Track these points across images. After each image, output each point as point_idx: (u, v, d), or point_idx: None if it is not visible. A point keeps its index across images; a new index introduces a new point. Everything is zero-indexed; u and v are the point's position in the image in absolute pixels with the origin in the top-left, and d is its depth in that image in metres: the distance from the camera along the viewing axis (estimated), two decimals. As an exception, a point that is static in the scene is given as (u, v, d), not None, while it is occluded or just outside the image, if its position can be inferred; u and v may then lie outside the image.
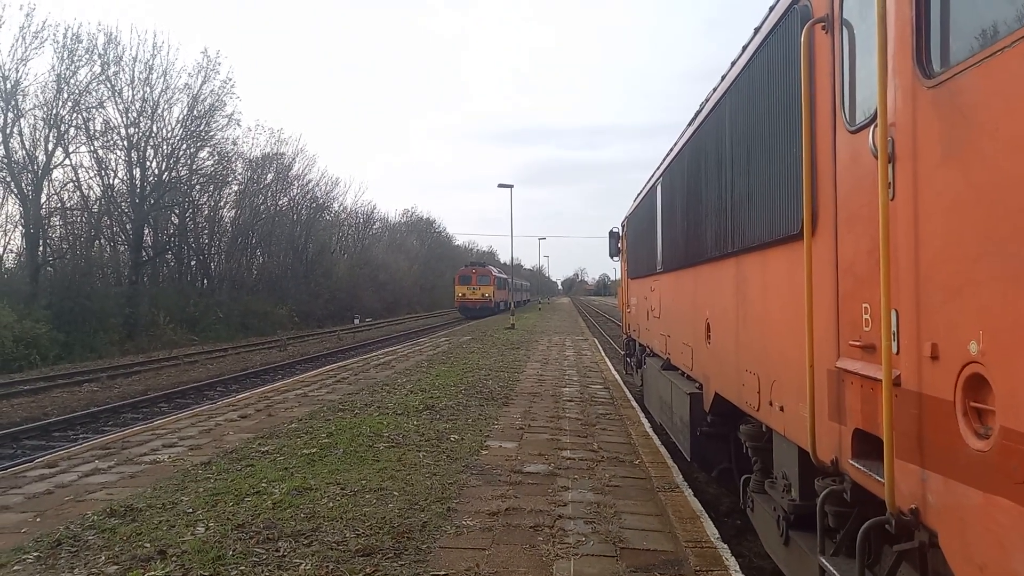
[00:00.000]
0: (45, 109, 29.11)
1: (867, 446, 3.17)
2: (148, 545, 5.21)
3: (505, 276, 66.58)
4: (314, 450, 8.25)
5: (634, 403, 12.20)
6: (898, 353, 2.79)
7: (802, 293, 3.75)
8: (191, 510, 6.03)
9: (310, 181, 51.56)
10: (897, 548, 3.01)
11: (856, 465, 3.20)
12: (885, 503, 2.85)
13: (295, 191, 49.64)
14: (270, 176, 45.95)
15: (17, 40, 28.00)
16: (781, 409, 4.32)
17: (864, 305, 3.17)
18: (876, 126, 2.90)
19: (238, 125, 39.98)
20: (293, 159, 48.68)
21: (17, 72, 27.88)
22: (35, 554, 5.07)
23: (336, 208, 58.37)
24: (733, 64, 5.65)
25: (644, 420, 10.53)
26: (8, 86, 27.63)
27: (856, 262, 3.26)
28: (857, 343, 3.21)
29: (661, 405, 9.42)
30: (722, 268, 5.90)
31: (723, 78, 6.01)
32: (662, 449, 8.59)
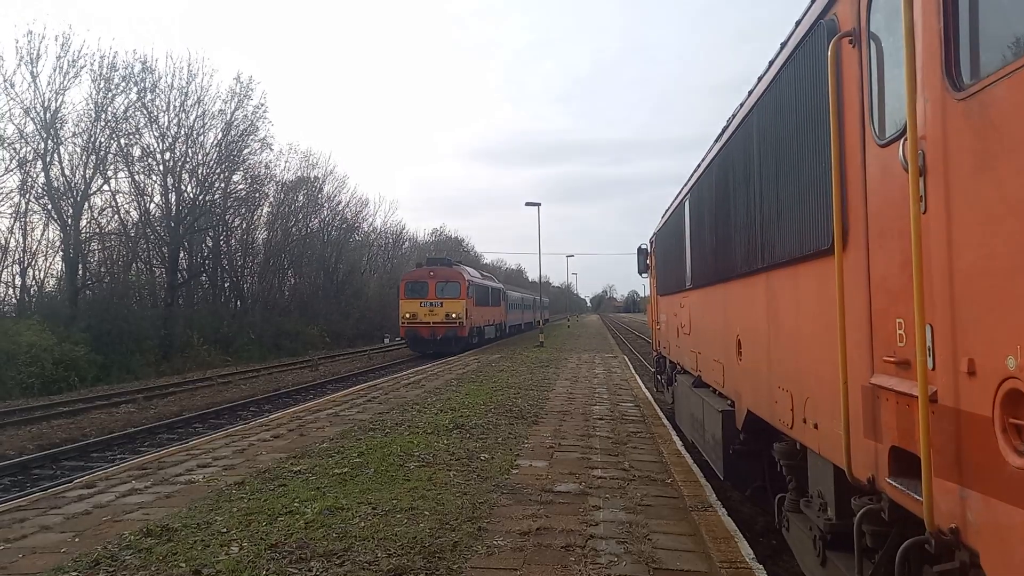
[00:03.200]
0: (84, 137, 29.99)
1: (904, 464, 3.11)
2: (183, 565, 5.27)
3: (496, 285, 46.73)
4: (346, 469, 8.29)
5: (665, 421, 12.08)
6: (934, 369, 2.74)
7: (834, 308, 3.70)
8: (225, 530, 6.09)
9: (340, 202, 52.31)
10: (938, 569, 2.94)
11: (893, 483, 3.14)
12: (924, 522, 2.79)
13: (326, 212, 50.36)
14: (301, 198, 46.67)
15: (55, 70, 28.95)
16: (815, 426, 4.25)
17: (898, 320, 3.12)
18: (906, 139, 2.87)
19: (270, 149, 40.60)
20: (323, 181, 49.46)
21: (56, 101, 28.79)
22: (73, 574, 5.16)
23: (366, 228, 59.03)
24: (760, 79, 5.64)
25: (676, 438, 10.42)
26: (48, 116, 28.51)
27: (889, 276, 3.22)
28: (891, 359, 3.16)
29: (693, 423, 9.32)
30: (752, 284, 5.85)
31: (750, 93, 5.99)
32: (694, 467, 8.48)
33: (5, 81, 27.40)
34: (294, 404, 17.75)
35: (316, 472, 8.22)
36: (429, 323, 33.85)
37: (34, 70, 28.31)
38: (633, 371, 22.02)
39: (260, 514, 6.53)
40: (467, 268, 39.67)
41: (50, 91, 28.70)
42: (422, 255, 76.79)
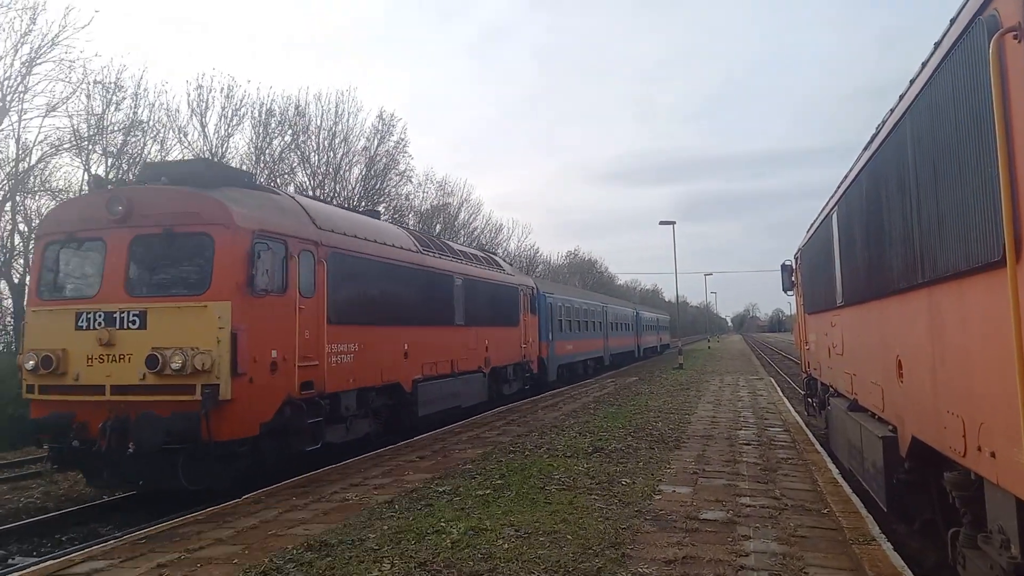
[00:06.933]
0: (402, 228, 32.66)
1: None
2: (340, 579, 5.56)
3: (492, 273, 19.37)
4: (488, 491, 8.45)
5: (819, 447, 11.41)
6: None
7: (1008, 324, 3.39)
8: (377, 547, 6.37)
9: (475, 228, 53.79)
10: None
11: None
12: None
13: (462, 238, 51.94)
14: (439, 227, 48.45)
15: (221, 119, 31.88)
16: (992, 455, 3.88)
17: None
18: None
19: (409, 181, 42.43)
20: (459, 208, 51.13)
21: (223, 148, 31.67)
22: (245, 583, 5.58)
23: (501, 253, 60.26)
24: (912, 82, 5.30)
25: (831, 465, 9.81)
26: (215, 160, 31.41)
27: None
28: None
29: (850, 449, 8.75)
30: (911, 300, 5.46)
31: (901, 97, 5.64)
32: (853, 497, 7.94)
33: (179, 131, 30.46)
34: (436, 426, 18.28)
35: (460, 493, 8.42)
36: (102, 391, 8.55)
37: (203, 120, 31.33)
38: (781, 394, 20.99)
39: (408, 532, 6.78)
40: (293, 198, 11.38)
41: (216, 138, 31.63)
42: (556, 277, 75.05)
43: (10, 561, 7.24)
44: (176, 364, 8.35)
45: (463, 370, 16.39)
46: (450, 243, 18.96)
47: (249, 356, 8.72)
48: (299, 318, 9.92)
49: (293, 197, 11.42)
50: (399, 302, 13.29)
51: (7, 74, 20.66)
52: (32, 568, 6.23)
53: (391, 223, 18.80)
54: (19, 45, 20.75)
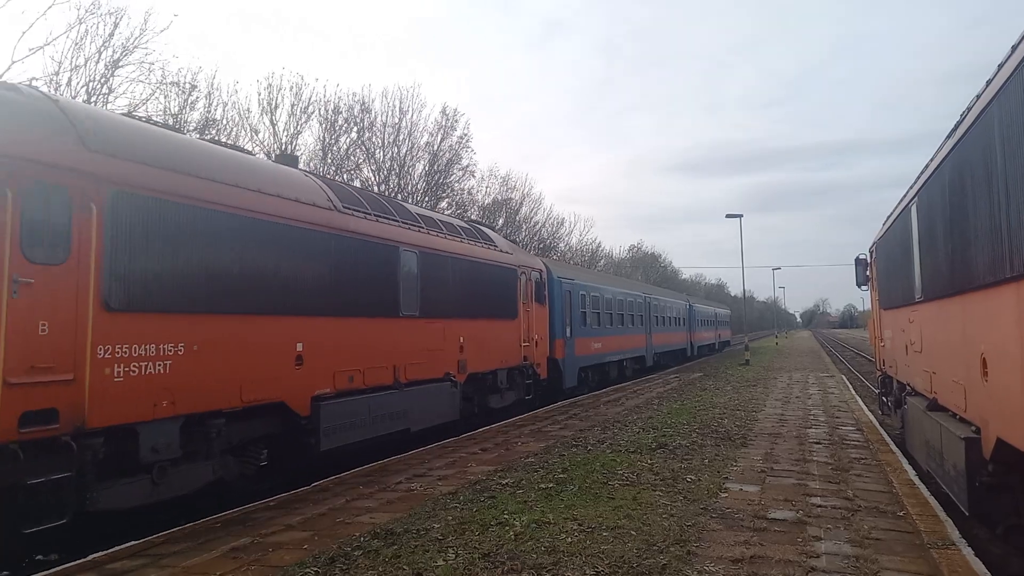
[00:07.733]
0: (314, 176, 33.56)
1: None
2: (407, 568, 5.65)
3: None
4: (550, 485, 8.44)
5: (893, 447, 10.99)
6: None
7: None
8: (441, 537, 6.44)
9: (537, 223, 53.76)
10: None
11: None
12: None
13: (523, 234, 51.95)
14: (500, 221, 48.61)
15: (290, 117, 32.68)
16: (1089, 459, 3.66)
17: None
18: None
19: (472, 176, 42.73)
20: (520, 203, 51.20)
21: (292, 145, 32.45)
22: (314, 569, 5.72)
23: (562, 248, 60.04)
24: (1000, 67, 5.03)
25: (907, 467, 9.44)
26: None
27: None
28: None
29: (928, 450, 8.40)
30: (998, 295, 5.19)
31: (988, 83, 5.36)
32: (931, 500, 7.62)
33: (251, 129, 31.38)
34: (499, 419, 18.38)
35: (522, 486, 8.44)
36: None
37: (273, 118, 32.18)
38: (853, 392, 20.31)
39: (472, 523, 6.84)
40: (55, 102, 6.76)
41: (286, 135, 32.45)
42: (618, 271, 74.65)
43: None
44: None
45: (416, 379, 11.72)
46: (405, 204, 13.63)
47: None
48: (16, 301, 5.73)
49: (55, 101, 6.80)
50: (286, 280, 8.77)
51: (91, 76, 21.64)
52: (116, 548, 6.53)
53: (308, 173, 12.20)
54: (103, 49, 21.71)
